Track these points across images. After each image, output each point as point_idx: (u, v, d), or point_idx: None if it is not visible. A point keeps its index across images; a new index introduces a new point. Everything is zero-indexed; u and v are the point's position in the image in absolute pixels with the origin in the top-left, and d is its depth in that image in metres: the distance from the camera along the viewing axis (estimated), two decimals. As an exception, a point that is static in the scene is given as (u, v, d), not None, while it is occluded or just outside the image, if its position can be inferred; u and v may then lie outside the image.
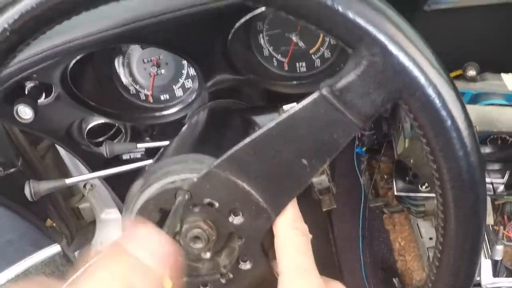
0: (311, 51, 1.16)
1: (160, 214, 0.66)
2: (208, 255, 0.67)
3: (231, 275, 0.68)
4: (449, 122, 0.55)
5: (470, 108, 1.02)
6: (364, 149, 1.54)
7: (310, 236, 0.66)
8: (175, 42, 1.00)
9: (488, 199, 1.35)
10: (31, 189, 1.03)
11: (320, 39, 1.15)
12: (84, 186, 1.61)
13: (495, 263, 1.43)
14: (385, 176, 1.71)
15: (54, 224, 1.56)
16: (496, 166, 1.22)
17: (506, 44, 1.14)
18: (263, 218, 0.64)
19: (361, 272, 1.82)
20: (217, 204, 0.64)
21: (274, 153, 0.61)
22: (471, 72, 1.07)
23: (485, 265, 1.46)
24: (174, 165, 0.69)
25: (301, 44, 1.14)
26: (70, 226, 1.65)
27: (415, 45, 0.54)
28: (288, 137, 0.61)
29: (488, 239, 1.50)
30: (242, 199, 0.63)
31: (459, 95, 0.56)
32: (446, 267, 0.63)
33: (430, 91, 0.54)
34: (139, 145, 1.11)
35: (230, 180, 0.63)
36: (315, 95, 0.58)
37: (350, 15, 0.52)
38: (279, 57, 1.17)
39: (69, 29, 0.93)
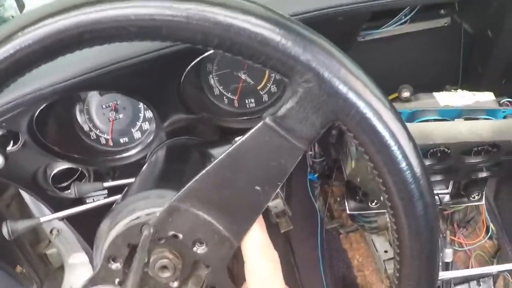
0: (258, 88, 1.23)
1: (128, 249, 0.67)
2: (175, 284, 0.69)
3: None
4: (387, 136, 0.58)
5: (408, 126, 1.10)
6: (316, 175, 1.60)
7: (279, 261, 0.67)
8: (132, 87, 1.05)
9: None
10: (9, 228, 1.07)
11: (266, 76, 1.21)
12: (51, 232, 1.62)
13: (446, 265, 1.50)
14: (338, 199, 1.76)
15: (24, 270, 1.58)
16: (439, 177, 1.28)
17: (434, 65, 1.23)
18: (226, 246, 0.66)
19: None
20: (181, 236, 0.66)
21: (228, 183, 0.63)
22: (406, 94, 1.15)
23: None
24: (138, 202, 0.72)
25: (249, 80, 1.20)
26: (39, 272, 1.65)
27: (345, 67, 0.57)
28: (238, 167, 0.63)
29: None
30: (204, 229, 0.65)
31: (394, 109, 0.59)
32: (407, 278, 0.65)
33: (363, 109, 0.57)
34: (105, 184, 1.14)
35: (190, 212, 0.64)
36: (259, 125, 0.61)
37: (281, 47, 0.54)
38: (229, 95, 1.23)
39: (33, 79, 0.97)
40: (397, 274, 0.66)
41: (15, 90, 0.97)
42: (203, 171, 0.64)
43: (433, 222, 0.62)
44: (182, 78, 1.06)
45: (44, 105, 1.02)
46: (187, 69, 1.05)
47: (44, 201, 1.24)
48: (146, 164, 1.05)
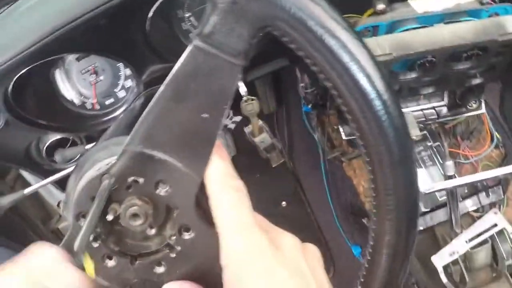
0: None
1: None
2: (153, 231, 0.66)
3: (179, 248, 0.67)
4: (318, 28, 0.55)
5: (385, 37, 1.07)
6: (310, 106, 1.59)
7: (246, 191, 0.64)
8: (98, 44, 1.04)
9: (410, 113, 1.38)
10: None
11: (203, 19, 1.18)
12: (58, 205, 1.63)
13: (449, 179, 1.47)
14: (336, 127, 1.75)
15: (39, 248, 1.59)
16: (431, 89, 1.26)
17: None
18: (188, 182, 0.63)
19: (335, 223, 1.87)
20: (141, 180, 0.63)
21: (173, 115, 0.61)
22: (380, 6, 1.12)
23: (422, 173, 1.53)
24: (98, 153, 0.69)
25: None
26: (56, 247, 1.68)
27: None
28: (179, 96, 0.60)
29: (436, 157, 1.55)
30: (162, 169, 0.63)
31: (324, 3, 0.55)
32: (383, 186, 0.61)
33: (288, 6, 0.54)
34: (87, 146, 1.15)
35: (144, 154, 0.62)
36: (189, 48, 0.58)
37: None
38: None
39: None
40: (372, 185, 0.62)
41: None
42: (147, 109, 0.62)
43: (398, 120, 0.58)
44: (148, 27, 1.05)
45: (14, 78, 1.00)
46: (148, 17, 1.03)
47: (43, 176, 1.23)
48: (120, 116, 1.03)
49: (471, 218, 1.58)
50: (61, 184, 1.21)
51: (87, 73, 1.18)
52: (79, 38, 0.98)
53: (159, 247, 0.67)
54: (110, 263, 0.67)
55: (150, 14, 1.03)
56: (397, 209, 0.61)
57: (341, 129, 1.40)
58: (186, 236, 0.66)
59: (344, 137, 1.40)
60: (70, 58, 1.16)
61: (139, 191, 0.64)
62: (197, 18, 1.19)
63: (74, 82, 1.19)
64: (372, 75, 0.56)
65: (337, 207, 1.88)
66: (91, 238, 0.65)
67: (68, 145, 1.23)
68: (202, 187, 0.64)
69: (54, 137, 1.18)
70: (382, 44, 1.03)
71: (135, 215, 0.63)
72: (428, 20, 1.12)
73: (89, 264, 0.50)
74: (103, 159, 0.68)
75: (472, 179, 1.36)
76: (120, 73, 1.19)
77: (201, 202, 0.65)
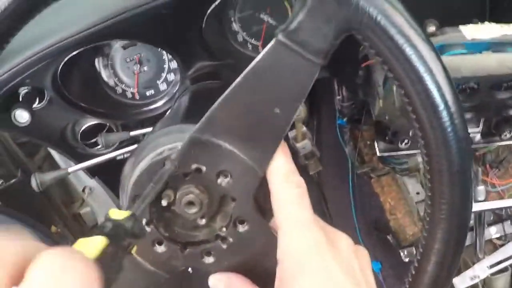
0: (282, 31, 1.21)
1: None
2: (203, 221, 0.67)
3: (231, 239, 0.67)
4: (403, 41, 0.56)
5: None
6: (345, 120, 1.59)
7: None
8: (153, 34, 1.04)
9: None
10: (37, 180, 1.09)
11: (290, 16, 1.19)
12: (83, 190, 1.65)
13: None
14: (368, 143, 1.75)
15: (59, 230, 1.60)
16: (468, 115, 1.25)
17: (460, -1, 1.20)
18: (250, 175, 0.64)
19: (357, 236, 1.86)
20: (204, 168, 0.64)
21: (246, 108, 0.62)
22: (431, 28, 1.11)
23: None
24: (160, 138, 0.70)
25: (272, 22, 1.19)
26: (74, 231, 1.69)
27: None
28: (255, 89, 0.61)
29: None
30: (226, 160, 0.63)
31: (407, 13, 0.57)
32: (439, 195, 0.61)
33: (376, 14, 0.55)
34: (131, 133, 1.15)
35: (211, 142, 0.63)
36: (272, 43, 0.59)
37: None
38: (253, 41, 1.22)
39: (54, 32, 0.98)
40: (429, 193, 0.63)
41: (36, 44, 0.98)
42: (220, 98, 0.62)
43: (462, 133, 0.59)
44: (203, 24, 1.06)
45: (67, 58, 1.02)
46: (207, 14, 1.04)
47: (74, 159, 1.24)
48: (170, 109, 1.04)
49: (493, 245, 1.59)
50: (90, 170, 1.23)
51: (131, 62, 1.19)
52: (137, 25, 0.99)
53: (207, 237, 0.68)
54: (160, 248, 0.68)
55: (208, 11, 1.04)
56: (450, 219, 0.62)
57: (376, 145, 1.40)
58: (241, 228, 0.67)
59: (378, 153, 1.40)
60: (117, 45, 1.17)
61: (198, 180, 0.65)
62: (245, 21, 1.20)
63: (117, 70, 1.20)
64: (443, 88, 0.57)
65: (361, 222, 1.88)
66: (144, 221, 0.66)
67: (104, 131, 1.23)
68: (262, 181, 0.64)
69: (91, 121, 1.19)
70: (431, 66, 1.04)
71: (190, 203, 0.64)
72: (475, 47, 1.12)
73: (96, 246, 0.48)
74: (166, 144, 0.68)
75: (501, 205, 1.36)
76: (164, 66, 1.20)
77: (259, 196, 0.66)
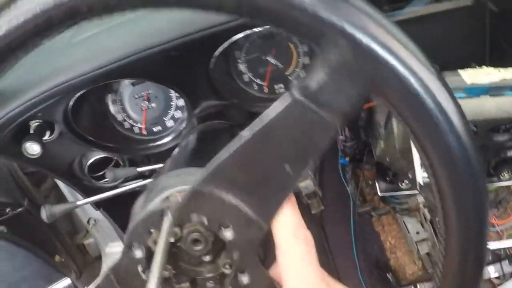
0: (287, 73, 1.24)
1: (149, 235, 0.65)
2: (208, 257, 0.66)
3: None
4: (432, 106, 0.50)
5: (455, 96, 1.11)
6: (347, 159, 1.61)
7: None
8: (162, 74, 1.07)
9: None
10: (47, 211, 1.11)
11: (295, 60, 1.23)
12: (88, 221, 1.65)
13: None
14: (370, 182, 1.77)
15: (63, 260, 1.61)
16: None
17: (460, 44, 1.23)
18: (254, 229, 0.62)
19: (357, 274, 1.87)
20: (205, 221, 0.62)
21: (255, 162, 0.59)
22: (431, 72, 1.15)
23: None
24: (169, 179, 0.70)
25: (277, 64, 1.22)
26: (77, 261, 1.70)
27: (385, 30, 0.49)
28: (266, 146, 0.57)
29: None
30: (229, 213, 0.61)
31: (441, 76, 0.52)
32: (451, 275, 0.58)
33: (407, 77, 0.49)
34: (139, 169, 1.17)
35: (214, 195, 0.60)
36: (287, 100, 0.54)
37: (310, 10, 0.47)
38: (258, 81, 1.25)
39: (66, 69, 1.01)
40: (441, 268, 0.60)
41: (50, 80, 1.00)
42: (226, 151, 0.59)
43: (485, 212, 0.55)
44: (211, 65, 1.08)
45: (78, 94, 1.05)
46: (215, 55, 1.06)
47: (80, 191, 1.27)
48: (178, 147, 1.06)
49: (492, 285, 1.60)
50: (96, 202, 1.25)
51: (139, 99, 1.22)
52: (147, 65, 1.02)
53: (212, 273, 0.68)
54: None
55: (217, 53, 1.06)
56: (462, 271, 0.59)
57: (377, 185, 1.42)
58: (242, 279, 0.66)
59: (379, 193, 1.41)
60: (126, 82, 1.20)
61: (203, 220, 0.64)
62: (251, 62, 1.23)
63: (126, 105, 1.22)
64: (472, 158, 0.53)
65: (361, 259, 1.89)
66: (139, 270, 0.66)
67: (111, 165, 1.26)
68: (267, 233, 0.63)
69: (98, 155, 1.21)
70: (430, 108, 1.07)
71: (196, 241, 0.63)
72: (474, 91, 1.15)
73: None
74: (174, 187, 0.68)
75: (500, 245, 1.38)
76: (171, 103, 1.22)
77: (262, 245, 0.65)
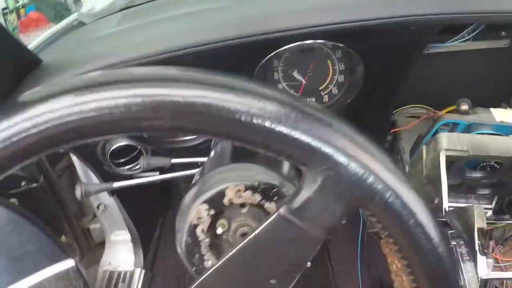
0: (320, 88, 1.26)
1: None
2: None
3: None
4: (412, 220, 0.53)
5: (465, 136, 1.13)
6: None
7: None
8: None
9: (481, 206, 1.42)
10: (82, 190, 1.13)
11: (329, 77, 1.25)
12: (98, 206, 1.65)
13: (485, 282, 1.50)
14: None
15: (68, 241, 1.62)
16: (485, 191, 1.31)
17: (492, 83, 1.26)
18: None
19: (359, 293, 1.89)
20: None
21: (240, 279, 0.59)
22: (464, 107, 1.18)
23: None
24: (226, 172, 0.72)
25: (313, 77, 1.24)
26: (81, 245, 1.71)
27: (367, 152, 0.52)
28: (252, 262, 0.58)
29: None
30: None
31: (416, 192, 0.55)
32: None
33: (389, 195, 0.52)
34: (173, 160, 1.18)
35: None
36: (274, 217, 0.56)
37: (297, 135, 0.50)
38: (292, 92, 1.26)
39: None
40: None
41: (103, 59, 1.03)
42: (212, 269, 0.59)
43: None
44: (255, 72, 1.10)
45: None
46: (262, 61, 1.08)
47: (98, 174, 1.29)
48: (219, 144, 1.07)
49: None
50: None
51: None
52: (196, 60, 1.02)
53: None
54: None
55: (263, 61, 1.09)
56: None
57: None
58: None
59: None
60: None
61: (253, 214, 0.67)
62: (287, 73, 1.24)
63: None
64: (445, 259, 0.57)
65: (365, 279, 1.90)
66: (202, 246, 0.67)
67: (134, 154, 1.27)
68: None
69: (122, 142, 1.22)
70: (462, 141, 1.09)
71: (245, 235, 0.63)
72: (502, 129, 1.17)
73: None
74: (231, 181, 0.70)
75: (504, 276, 1.39)
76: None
77: None
